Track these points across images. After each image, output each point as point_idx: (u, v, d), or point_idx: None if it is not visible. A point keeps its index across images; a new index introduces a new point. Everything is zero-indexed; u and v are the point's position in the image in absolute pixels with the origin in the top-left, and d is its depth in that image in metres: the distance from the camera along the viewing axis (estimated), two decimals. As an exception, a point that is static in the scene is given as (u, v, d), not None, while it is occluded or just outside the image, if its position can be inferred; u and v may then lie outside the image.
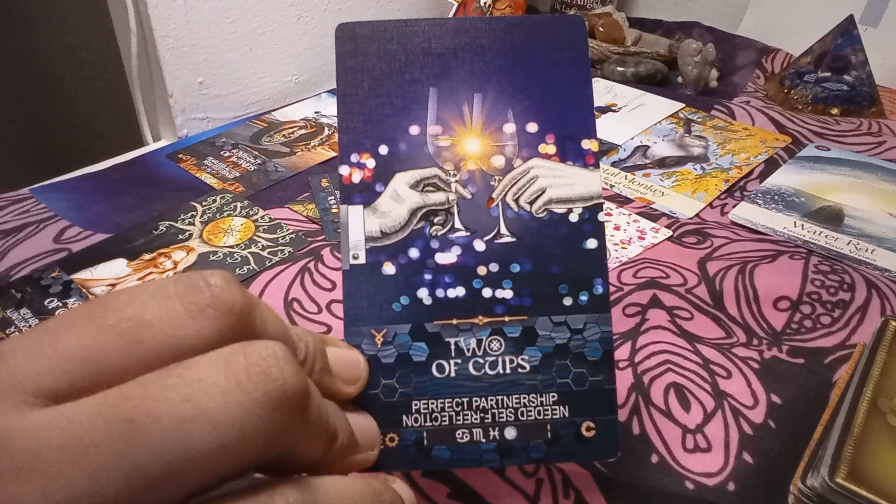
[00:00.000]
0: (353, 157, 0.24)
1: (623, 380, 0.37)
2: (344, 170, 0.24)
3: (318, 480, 0.18)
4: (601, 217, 0.24)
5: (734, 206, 0.57)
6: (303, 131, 0.72)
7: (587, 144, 0.25)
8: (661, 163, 0.65)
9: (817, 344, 0.41)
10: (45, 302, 0.45)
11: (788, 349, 0.40)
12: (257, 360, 0.16)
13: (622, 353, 0.40)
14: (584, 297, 0.24)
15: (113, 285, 0.47)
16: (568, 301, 0.24)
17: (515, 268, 0.24)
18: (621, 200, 0.59)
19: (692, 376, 0.38)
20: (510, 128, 0.25)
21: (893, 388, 0.33)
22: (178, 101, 0.75)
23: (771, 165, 0.64)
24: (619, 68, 0.84)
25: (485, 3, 0.94)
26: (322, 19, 0.85)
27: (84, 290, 0.47)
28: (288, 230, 0.54)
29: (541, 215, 0.24)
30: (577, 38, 0.25)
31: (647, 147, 0.68)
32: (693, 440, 0.34)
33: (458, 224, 0.24)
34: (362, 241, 0.24)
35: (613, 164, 0.65)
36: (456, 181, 0.25)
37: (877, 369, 0.35)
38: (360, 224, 0.24)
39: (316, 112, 0.77)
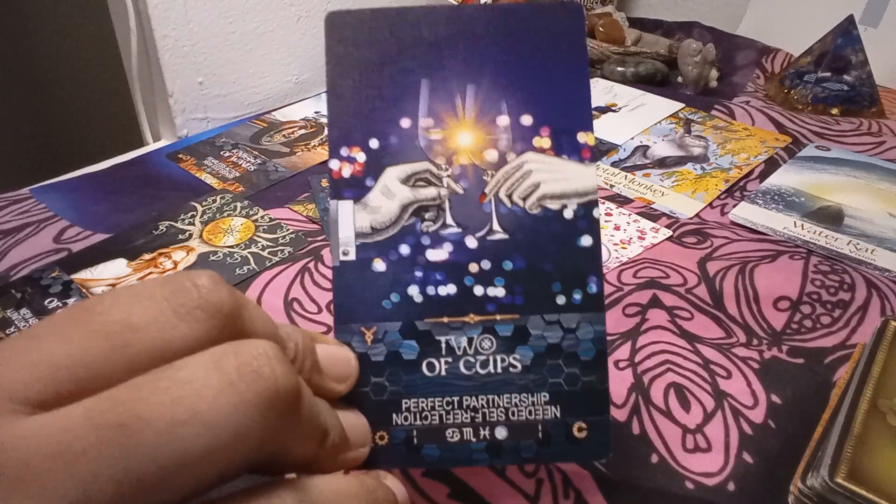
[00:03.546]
0: (343, 151, 0.24)
1: (623, 380, 0.37)
2: (334, 164, 0.24)
3: (312, 481, 0.17)
4: (596, 213, 0.24)
5: (734, 206, 0.57)
6: (303, 131, 0.72)
7: (583, 138, 0.24)
8: (661, 163, 0.65)
9: (817, 344, 0.41)
10: (45, 302, 0.45)
11: (788, 349, 0.40)
12: (248, 359, 0.15)
13: (622, 353, 0.40)
14: (577, 296, 0.23)
15: (113, 285, 0.47)
16: (561, 299, 0.23)
17: (508, 265, 0.24)
18: (621, 200, 0.59)
19: (692, 376, 0.38)
20: (504, 120, 0.24)
21: (893, 388, 0.33)
22: (178, 101, 0.75)
23: (771, 165, 0.64)
24: (619, 68, 0.84)
25: (485, 2, 0.94)
26: (322, 19, 0.85)
27: (84, 290, 0.47)
28: (288, 230, 0.54)
29: (534, 211, 0.24)
30: (574, 27, 0.24)
31: (647, 147, 0.68)
32: (693, 440, 0.34)
33: (449, 220, 0.24)
34: (352, 237, 0.24)
35: (613, 164, 0.65)
36: (448, 176, 0.24)
37: (877, 369, 0.35)
38: (350, 220, 0.24)
39: (316, 112, 0.77)
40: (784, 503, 0.31)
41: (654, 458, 0.33)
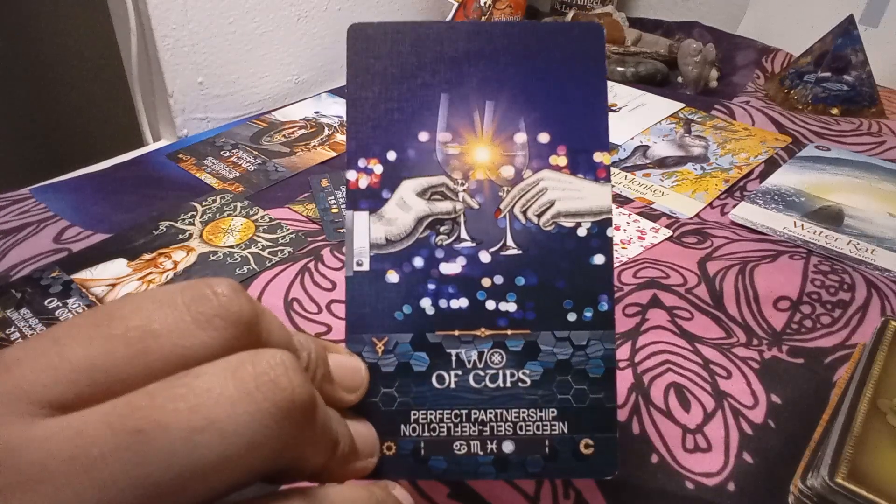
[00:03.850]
0: (361, 162, 0.24)
1: (623, 380, 0.37)
2: (351, 175, 0.24)
3: (323, 490, 0.18)
4: (610, 232, 0.24)
5: (734, 206, 0.57)
6: (303, 131, 0.72)
7: (599, 157, 0.24)
8: (661, 163, 0.65)
9: (817, 344, 0.41)
10: (45, 302, 0.45)
11: (788, 349, 0.40)
12: (265, 369, 0.16)
13: (622, 353, 0.40)
14: (588, 314, 0.23)
15: (113, 285, 0.47)
16: (572, 316, 0.23)
17: (520, 281, 0.24)
18: (621, 200, 0.59)
19: (692, 376, 0.38)
20: (521, 137, 0.24)
21: (893, 388, 0.33)
22: (178, 101, 0.75)
23: (771, 165, 0.64)
24: (619, 68, 0.84)
25: (485, 2, 0.94)
26: (322, 19, 0.85)
27: (84, 290, 0.47)
28: (288, 230, 0.54)
29: (548, 228, 0.24)
30: (593, 47, 0.25)
31: (647, 147, 0.68)
32: (693, 440, 0.34)
33: (464, 234, 0.24)
34: (367, 248, 0.24)
35: (614, 164, 0.65)
36: (464, 190, 0.24)
37: (877, 369, 0.35)
38: (365, 231, 0.24)
39: (316, 112, 0.77)
40: (784, 503, 0.31)
41: (654, 458, 0.33)
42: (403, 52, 0.24)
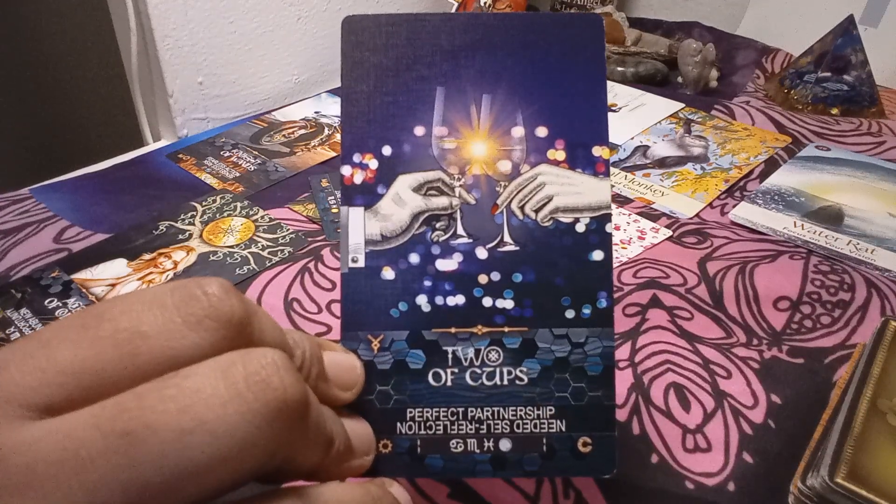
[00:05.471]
0: (356, 158, 0.24)
1: (623, 380, 0.37)
2: (346, 170, 0.24)
3: (318, 489, 0.17)
4: (609, 228, 0.24)
5: (734, 206, 0.57)
6: (303, 131, 0.72)
7: (598, 151, 0.24)
8: (661, 163, 0.65)
9: (817, 344, 0.41)
10: (45, 302, 0.45)
11: (788, 349, 0.40)
12: (257, 369, 0.15)
13: (622, 353, 0.40)
14: (587, 311, 0.23)
15: (113, 285, 0.47)
16: (570, 314, 0.23)
17: (518, 277, 0.23)
18: (621, 200, 0.59)
19: (692, 376, 0.38)
20: (519, 131, 0.24)
21: (893, 388, 0.33)
22: (178, 101, 0.75)
23: (771, 165, 0.64)
24: (619, 68, 0.84)
25: (485, 2, 0.94)
26: (322, 19, 0.85)
27: (84, 290, 0.47)
28: (288, 230, 0.54)
29: (546, 224, 0.24)
30: (593, 39, 0.24)
31: (647, 147, 0.68)
32: (693, 440, 0.34)
33: (460, 230, 0.24)
34: (362, 244, 0.23)
35: (613, 164, 0.65)
36: (460, 185, 0.24)
37: (877, 369, 0.35)
38: (360, 227, 0.24)
39: (316, 112, 0.77)
40: (784, 503, 0.31)
41: (654, 458, 0.33)
42: (399, 45, 0.24)
